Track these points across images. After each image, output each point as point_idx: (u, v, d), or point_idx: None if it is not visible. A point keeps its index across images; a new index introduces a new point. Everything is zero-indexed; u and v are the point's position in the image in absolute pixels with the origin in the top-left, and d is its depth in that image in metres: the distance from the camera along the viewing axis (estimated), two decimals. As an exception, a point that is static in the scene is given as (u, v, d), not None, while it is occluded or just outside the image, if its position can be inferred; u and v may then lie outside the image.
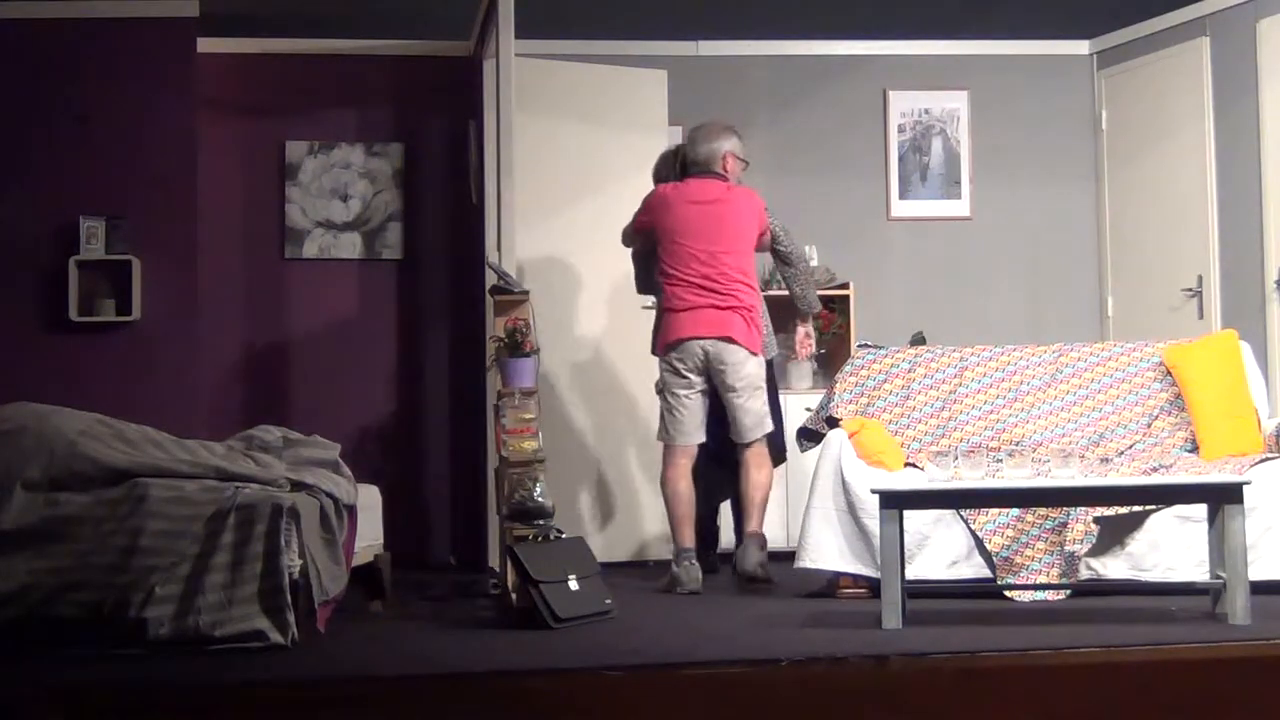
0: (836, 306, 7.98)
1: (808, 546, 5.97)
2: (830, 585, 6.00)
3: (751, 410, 6.37)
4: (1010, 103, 8.52)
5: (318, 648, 4.82)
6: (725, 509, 6.93)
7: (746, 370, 6.33)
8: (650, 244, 6.53)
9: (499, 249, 6.81)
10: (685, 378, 6.34)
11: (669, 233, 6.39)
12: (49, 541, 4.84)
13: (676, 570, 6.22)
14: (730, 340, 6.29)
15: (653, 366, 7.76)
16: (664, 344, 6.38)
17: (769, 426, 6.44)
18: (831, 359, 8.02)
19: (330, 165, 8.17)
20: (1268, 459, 5.93)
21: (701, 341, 6.29)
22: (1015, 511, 5.76)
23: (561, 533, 5.64)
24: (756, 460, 6.39)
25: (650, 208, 6.51)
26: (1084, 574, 5.74)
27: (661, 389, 6.41)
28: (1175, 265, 7.92)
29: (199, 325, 7.59)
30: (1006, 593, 5.68)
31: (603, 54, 8.09)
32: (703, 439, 6.42)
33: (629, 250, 6.81)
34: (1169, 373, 6.42)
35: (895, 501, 5.08)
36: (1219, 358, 6.39)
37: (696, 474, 6.45)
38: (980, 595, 5.68)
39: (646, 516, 7.71)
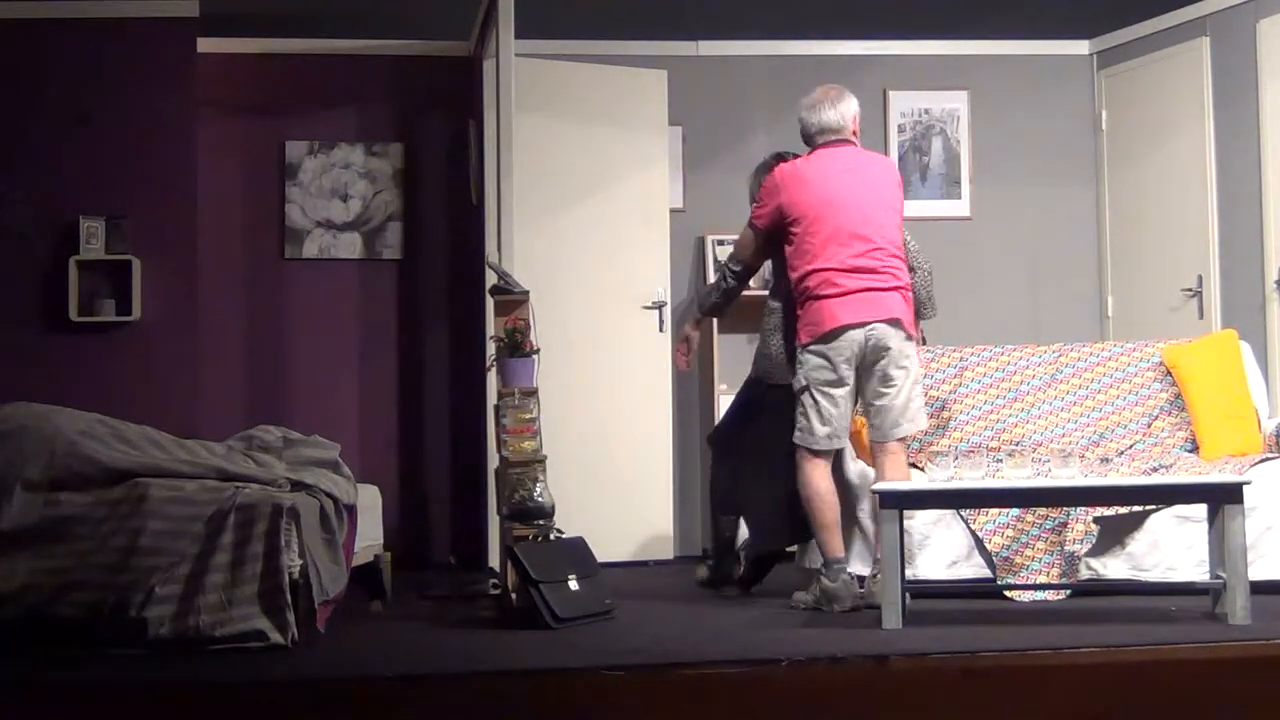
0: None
1: (808, 546, 5.97)
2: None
3: (915, 398, 5.67)
4: (1010, 103, 8.51)
5: (318, 648, 4.82)
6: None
7: (909, 356, 5.64)
8: (772, 238, 5.83)
9: (499, 249, 6.81)
10: (838, 373, 5.58)
11: (811, 210, 5.63)
12: (49, 541, 4.85)
13: (832, 585, 5.50)
14: (895, 324, 5.58)
15: (650, 365, 7.80)
16: (815, 335, 5.61)
17: (924, 422, 5.83)
18: (831, 359, 8.01)
19: (330, 165, 8.17)
20: (1268, 459, 5.94)
21: (863, 329, 5.54)
22: (1015, 511, 5.76)
23: (561, 533, 5.64)
24: (896, 460, 5.65)
25: (781, 188, 5.75)
26: (1084, 574, 5.74)
27: (805, 387, 5.63)
28: (1175, 265, 7.92)
29: (199, 325, 7.59)
30: (1006, 593, 5.68)
31: (603, 54, 8.09)
32: (846, 443, 5.79)
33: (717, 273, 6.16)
34: (1169, 373, 6.42)
35: (895, 501, 5.08)
36: (1219, 358, 6.39)
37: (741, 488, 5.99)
38: (980, 595, 5.68)
39: (646, 516, 7.71)
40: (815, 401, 5.62)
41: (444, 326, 8.21)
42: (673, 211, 8.01)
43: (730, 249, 8.18)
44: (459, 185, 8.13)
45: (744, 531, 6.29)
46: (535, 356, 5.92)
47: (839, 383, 5.59)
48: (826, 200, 5.64)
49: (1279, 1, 7.38)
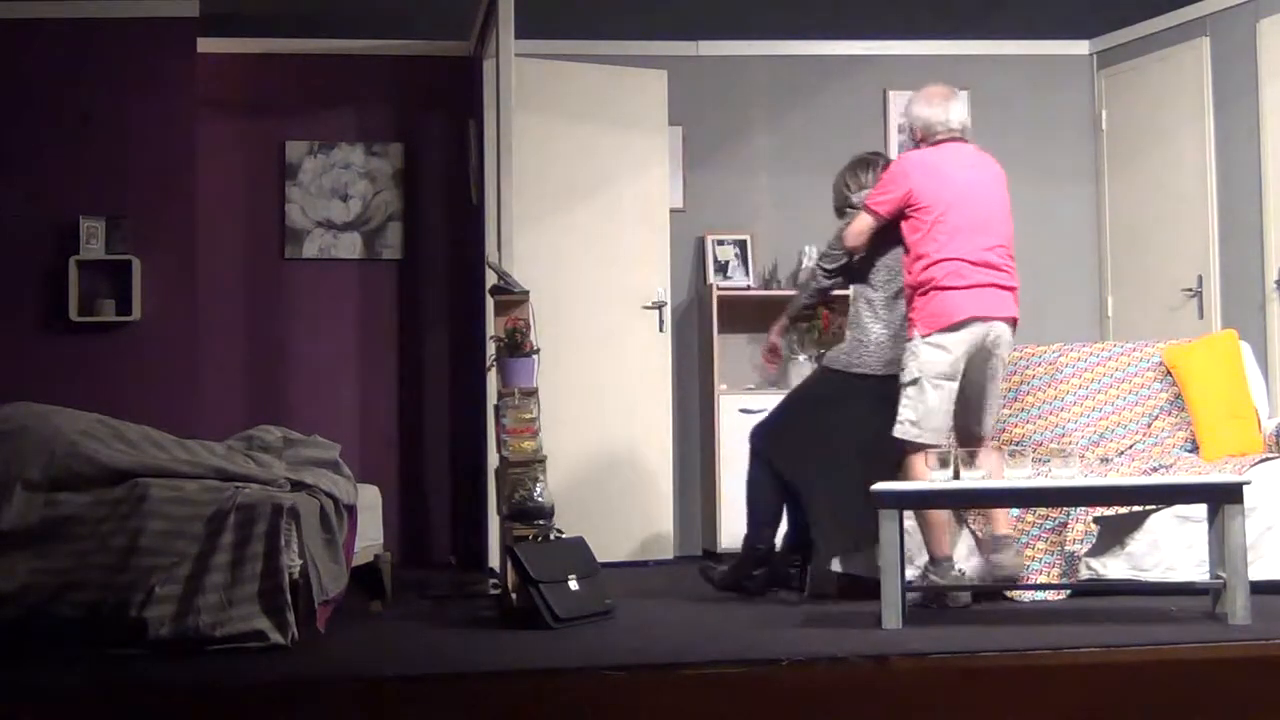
0: (837, 307, 7.97)
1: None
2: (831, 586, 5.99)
3: (1000, 400, 5.84)
4: (1010, 103, 8.51)
5: (318, 648, 4.82)
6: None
7: (1008, 358, 5.78)
8: (887, 226, 5.76)
9: (499, 249, 6.81)
10: (954, 366, 5.54)
11: (942, 199, 5.59)
12: (49, 541, 4.84)
13: (945, 583, 5.50)
14: (1013, 324, 5.66)
15: (650, 365, 7.80)
16: (938, 326, 5.53)
17: None
18: (831, 359, 8.01)
19: (330, 165, 8.17)
20: (1268, 459, 5.94)
21: (986, 324, 5.55)
22: (1015, 511, 5.75)
23: (561, 533, 5.64)
24: (991, 455, 5.62)
25: (910, 174, 5.67)
26: (1084, 574, 5.74)
27: (917, 379, 5.54)
28: (1175, 265, 7.92)
29: (199, 325, 7.59)
30: (1006, 593, 5.68)
31: (603, 54, 8.09)
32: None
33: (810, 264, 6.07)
34: (1169, 373, 6.42)
35: (895, 501, 5.08)
36: (1219, 358, 6.39)
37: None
38: (980, 595, 5.68)
39: (646, 516, 7.71)
40: (927, 394, 5.54)
41: (444, 326, 8.21)
42: (673, 211, 8.01)
43: (729, 247, 8.27)
44: (459, 185, 8.13)
45: (780, 539, 6.11)
46: (535, 356, 5.92)
47: (952, 375, 5.55)
48: (957, 191, 5.62)
49: (1279, 2, 7.39)
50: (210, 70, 7.80)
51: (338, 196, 8.16)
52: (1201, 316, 7.71)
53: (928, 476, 5.35)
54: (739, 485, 7.84)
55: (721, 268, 8.23)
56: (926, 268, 5.57)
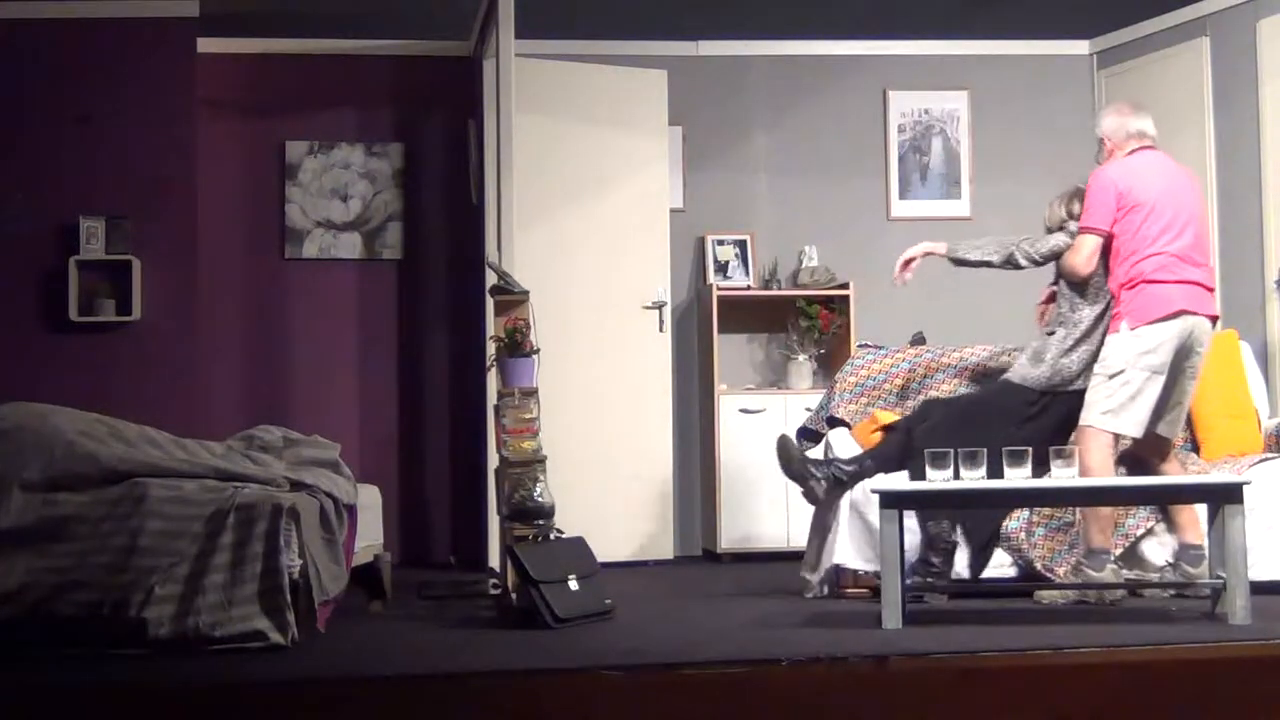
0: (836, 307, 7.98)
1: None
2: (832, 585, 5.99)
3: (1190, 401, 5.83)
4: (1010, 103, 8.51)
5: (318, 648, 4.82)
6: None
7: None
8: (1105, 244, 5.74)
9: (499, 249, 6.81)
10: (1163, 359, 5.55)
11: (1149, 198, 5.65)
12: (48, 541, 4.84)
13: (1099, 575, 5.50)
14: (1215, 321, 5.75)
15: (650, 365, 7.80)
16: (1148, 319, 5.55)
17: None
18: (831, 359, 8.02)
19: (330, 165, 8.17)
20: (1268, 459, 5.94)
21: (1194, 319, 5.59)
22: (1025, 512, 5.77)
23: (561, 533, 5.64)
24: (1174, 464, 5.82)
25: (1116, 180, 5.70)
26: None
27: (1121, 370, 5.54)
28: (1175, 265, 7.90)
29: (199, 325, 7.59)
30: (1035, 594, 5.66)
31: (603, 54, 8.09)
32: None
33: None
34: (1169, 372, 6.42)
35: (895, 501, 5.08)
36: (1219, 358, 6.39)
37: None
38: (980, 595, 5.68)
39: (646, 516, 7.71)
40: (1137, 386, 5.53)
41: (444, 326, 8.21)
42: (673, 211, 8.01)
43: (729, 247, 8.26)
44: (459, 185, 8.13)
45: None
46: (535, 356, 5.92)
47: (1161, 370, 5.55)
48: (1160, 190, 5.68)
49: (1279, 2, 7.39)
50: (210, 70, 7.80)
51: (338, 196, 8.16)
52: (1202, 316, 7.70)
53: (1110, 470, 5.48)
54: (739, 485, 7.85)
55: (721, 268, 8.22)
56: (1136, 264, 5.60)
